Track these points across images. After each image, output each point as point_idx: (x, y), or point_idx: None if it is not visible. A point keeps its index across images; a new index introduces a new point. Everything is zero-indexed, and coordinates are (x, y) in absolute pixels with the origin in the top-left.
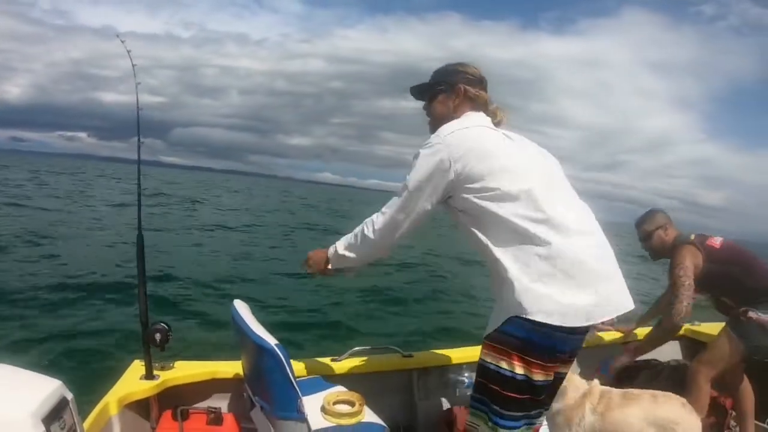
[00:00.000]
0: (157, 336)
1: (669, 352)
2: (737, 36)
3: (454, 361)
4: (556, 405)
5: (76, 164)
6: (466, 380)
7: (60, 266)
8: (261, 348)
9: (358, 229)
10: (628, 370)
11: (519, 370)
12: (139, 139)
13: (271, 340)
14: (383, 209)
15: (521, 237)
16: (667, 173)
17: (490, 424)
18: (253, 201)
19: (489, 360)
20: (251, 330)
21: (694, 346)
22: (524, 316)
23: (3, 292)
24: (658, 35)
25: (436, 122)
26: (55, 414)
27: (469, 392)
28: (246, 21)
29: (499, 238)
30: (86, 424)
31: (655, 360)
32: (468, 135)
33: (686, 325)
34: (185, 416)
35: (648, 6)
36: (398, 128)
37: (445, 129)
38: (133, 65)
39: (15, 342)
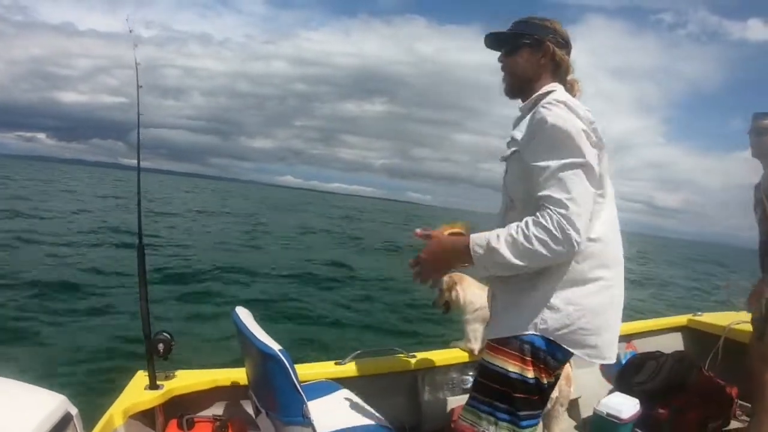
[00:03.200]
0: (160, 346)
1: (671, 343)
2: (696, 44)
3: (458, 361)
4: (477, 300)
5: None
6: (471, 379)
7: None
8: (265, 354)
9: (518, 229)
10: (633, 362)
11: (530, 374)
12: (138, 156)
13: (275, 346)
14: (556, 195)
15: (585, 254)
16: (627, 176)
17: (503, 424)
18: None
19: (497, 363)
20: (254, 336)
21: (697, 336)
22: (551, 338)
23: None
24: (620, 42)
25: (516, 81)
26: (58, 430)
27: None
28: (210, 21)
29: None
30: None
31: (659, 351)
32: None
33: (688, 315)
34: (191, 425)
35: (610, 14)
36: (362, 131)
37: (560, 95)
38: (137, 64)
39: (16, 355)
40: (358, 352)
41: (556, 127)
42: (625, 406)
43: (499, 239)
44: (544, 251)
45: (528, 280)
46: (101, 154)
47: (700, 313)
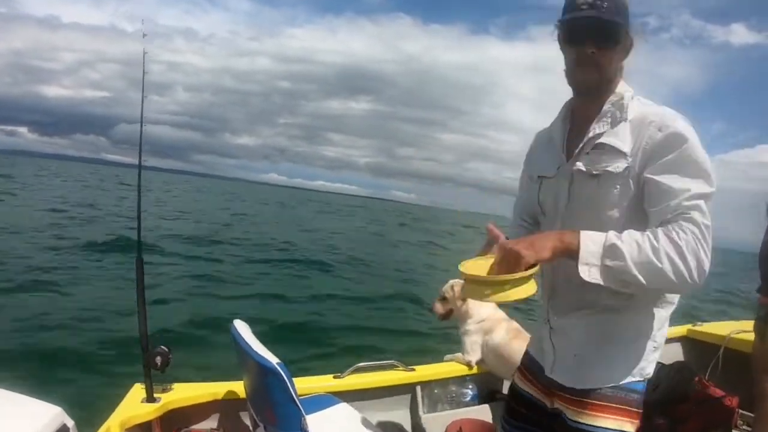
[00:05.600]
0: (158, 359)
1: (671, 354)
2: (680, 47)
3: (457, 374)
4: (483, 311)
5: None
6: (470, 392)
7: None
8: (263, 367)
9: (645, 238)
10: None
11: (634, 428)
12: (140, 167)
13: (273, 359)
14: (697, 218)
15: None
16: None
17: None
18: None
19: (610, 426)
20: (252, 349)
21: (697, 347)
22: (648, 377)
23: None
24: None
25: (603, 78)
26: None
27: (473, 404)
28: (195, 17)
29: None
30: None
31: (659, 362)
32: None
33: (688, 326)
34: None
35: None
36: (346, 129)
37: (649, 101)
38: (144, 73)
39: (12, 365)
40: (357, 365)
41: (697, 148)
42: None
43: (622, 239)
44: (670, 273)
45: (636, 312)
46: (84, 149)
47: (699, 323)
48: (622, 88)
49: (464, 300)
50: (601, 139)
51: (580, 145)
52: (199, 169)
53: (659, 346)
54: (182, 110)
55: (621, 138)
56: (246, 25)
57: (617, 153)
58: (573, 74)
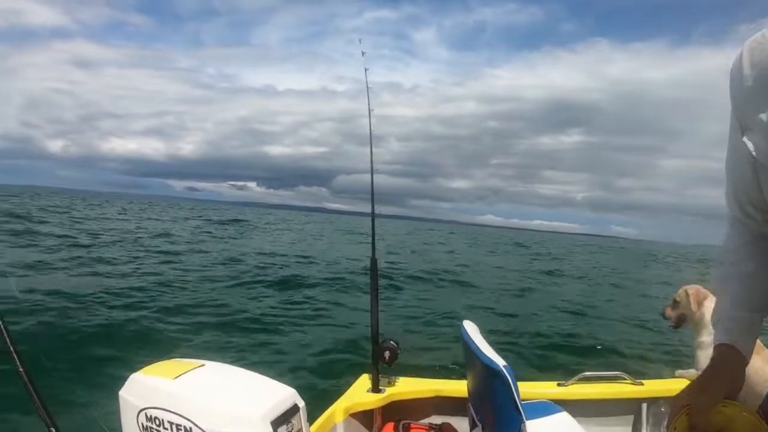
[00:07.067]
0: (387, 353)
1: None
2: None
3: None
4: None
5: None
6: None
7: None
8: (489, 368)
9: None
10: None
11: None
12: (373, 214)
13: (500, 362)
14: None
15: None
16: None
17: None
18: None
19: None
20: (480, 350)
21: None
22: None
23: (253, 317)
24: None
25: None
26: (284, 418)
27: None
28: (398, 71)
29: None
30: (313, 428)
31: None
32: None
33: None
34: (407, 429)
35: None
36: (560, 165)
37: None
38: (370, 118)
39: (264, 356)
40: (583, 374)
41: None
42: None
43: None
44: None
45: None
46: (307, 199)
47: None
48: None
49: (699, 305)
50: None
51: None
52: (416, 214)
53: None
54: (396, 159)
55: None
56: (447, 72)
57: None
58: None
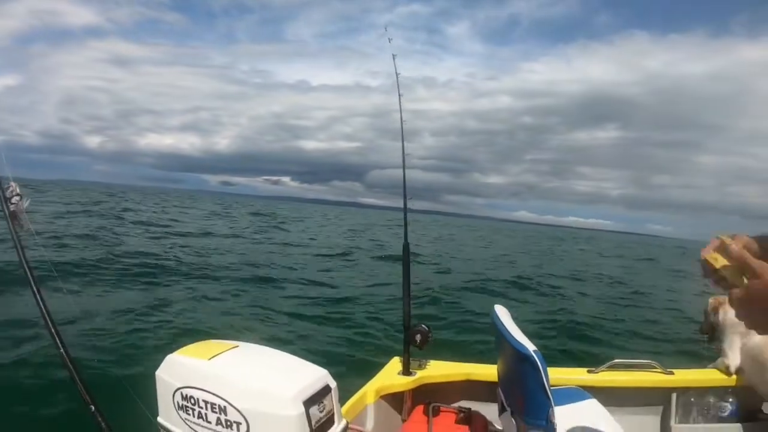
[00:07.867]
0: (418, 337)
1: None
2: None
3: (718, 384)
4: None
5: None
6: (729, 406)
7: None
8: (519, 353)
9: None
10: None
11: None
12: (405, 209)
13: (530, 346)
14: None
15: None
16: None
17: None
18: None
19: None
20: (510, 335)
21: None
22: None
23: (290, 312)
24: None
25: None
26: (316, 398)
27: (730, 421)
28: (432, 66)
29: None
30: (344, 408)
31: None
32: None
33: None
34: (436, 412)
35: None
36: (595, 161)
37: None
38: (401, 120)
39: (302, 339)
40: (613, 361)
41: None
42: None
43: None
44: None
45: None
46: (342, 194)
47: None
48: None
49: (715, 311)
50: None
51: None
52: (450, 209)
53: None
54: (430, 154)
55: None
56: (481, 66)
57: None
58: None
